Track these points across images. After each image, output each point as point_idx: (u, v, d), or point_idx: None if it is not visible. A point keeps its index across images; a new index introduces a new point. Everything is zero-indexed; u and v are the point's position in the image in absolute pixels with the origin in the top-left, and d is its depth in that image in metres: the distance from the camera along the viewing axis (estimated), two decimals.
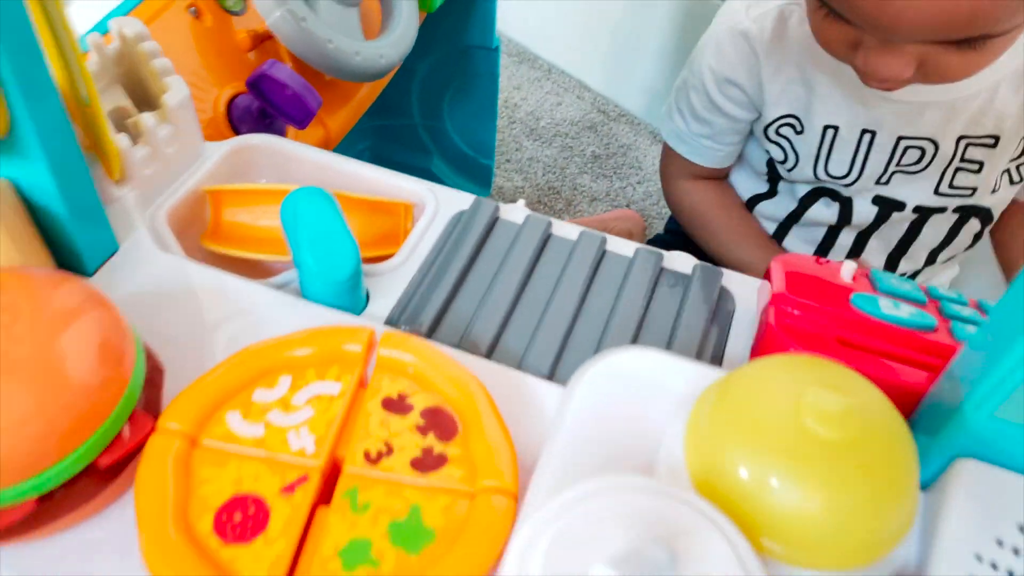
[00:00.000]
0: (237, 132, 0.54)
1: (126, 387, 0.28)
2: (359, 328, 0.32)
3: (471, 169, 0.99)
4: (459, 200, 0.44)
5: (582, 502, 0.22)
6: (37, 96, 0.31)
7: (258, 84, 0.52)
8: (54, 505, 0.28)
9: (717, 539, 0.21)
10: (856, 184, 0.62)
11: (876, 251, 0.67)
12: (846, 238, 0.67)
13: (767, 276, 0.37)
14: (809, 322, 0.32)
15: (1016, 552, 0.24)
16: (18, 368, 0.27)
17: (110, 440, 0.28)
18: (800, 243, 0.70)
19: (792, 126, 0.62)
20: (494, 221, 0.43)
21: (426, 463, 0.29)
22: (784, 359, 0.26)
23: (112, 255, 0.38)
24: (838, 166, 0.62)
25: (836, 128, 0.60)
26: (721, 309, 0.39)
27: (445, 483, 0.28)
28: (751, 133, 0.67)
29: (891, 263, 0.68)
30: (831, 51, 0.53)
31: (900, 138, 0.59)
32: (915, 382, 0.30)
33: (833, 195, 0.65)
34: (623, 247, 0.42)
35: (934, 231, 0.65)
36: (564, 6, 1.17)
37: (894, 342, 0.31)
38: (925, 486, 0.27)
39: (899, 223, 0.64)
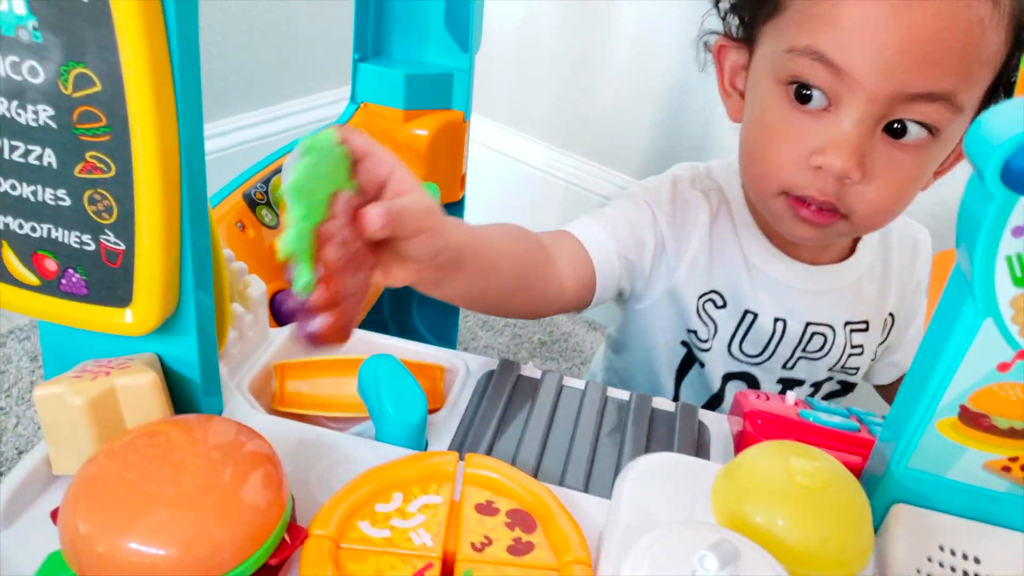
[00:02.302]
0: (278, 322, 0.65)
1: (285, 505, 0.37)
2: (447, 452, 0.42)
3: None
4: (484, 363, 0.55)
5: (663, 536, 0.32)
6: (204, 287, 0.42)
7: None
8: None
9: (758, 555, 0.31)
10: (764, 364, 0.69)
11: None
12: None
13: (733, 407, 0.50)
14: (774, 428, 0.44)
15: (940, 564, 0.35)
16: (212, 494, 0.35)
17: (277, 544, 0.36)
18: None
19: (714, 301, 0.68)
20: (518, 378, 0.54)
21: (518, 549, 0.38)
22: (769, 444, 0.38)
23: (220, 414, 0.47)
24: (752, 347, 0.68)
25: (756, 314, 0.67)
26: (701, 437, 0.51)
27: (537, 562, 0.37)
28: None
29: None
30: (781, 164, 0.57)
31: (808, 324, 0.67)
32: (853, 463, 0.42)
33: (744, 376, 0.70)
34: (621, 395, 0.54)
35: (821, 394, 0.74)
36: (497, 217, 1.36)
37: (834, 439, 0.43)
38: (875, 531, 0.38)
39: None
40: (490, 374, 0.54)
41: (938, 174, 0.61)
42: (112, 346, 0.43)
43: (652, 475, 0.40)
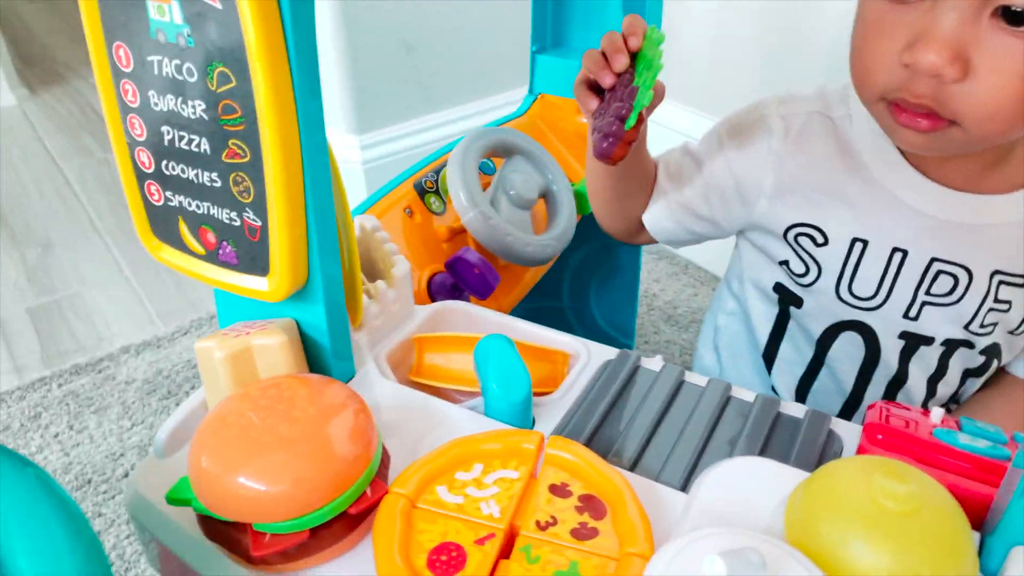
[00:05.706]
0: (434, 301, 0.69)
1: (370, 462, 0.40)
2: (533, 432, 0.43)
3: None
4: (606, 352, 0.55)
5: (701, 539, 0.30)
6: (329, 262, 0.46)
7: (454, 264, 0.68)
8: (317, 540, 0.39)
9: (797, 566, 0.28)
10: (880, 310, 0.60)
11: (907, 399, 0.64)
12: (875, 389, 0.64)
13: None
14: (896, 445, 0.39)
15: None
16: (306, 443, 0.39)
17: (358, 496, 0.39)
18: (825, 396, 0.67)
19: (812, 237, 0.61)
20: (636, 368, 0.53)
21: (582, 533, 0.38)
22: (856, 459, 0.34)
23: (350, 379, 0.51)
24: (863, 286, 0.60)
25: (865, 242, 0.59)
26: (829, 448, 0.47)
27: (597, 549, 0.37)
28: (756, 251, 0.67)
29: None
30: (874, 65, 0.51)
31: (933, 260, 0.58)
32: (985, 494, 0.36)
33: (858, 327, 0.62)
34: (744, 394, 0.51)
35: (957, 367, 0.62)
36: None
37: (970, 465, 0.38)
38: (995, 574, 0.33)
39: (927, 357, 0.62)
40: (607, 363, 0.53)
41: None
42: (263, 310, 0.50)
43: (733, 478, 0.38)
